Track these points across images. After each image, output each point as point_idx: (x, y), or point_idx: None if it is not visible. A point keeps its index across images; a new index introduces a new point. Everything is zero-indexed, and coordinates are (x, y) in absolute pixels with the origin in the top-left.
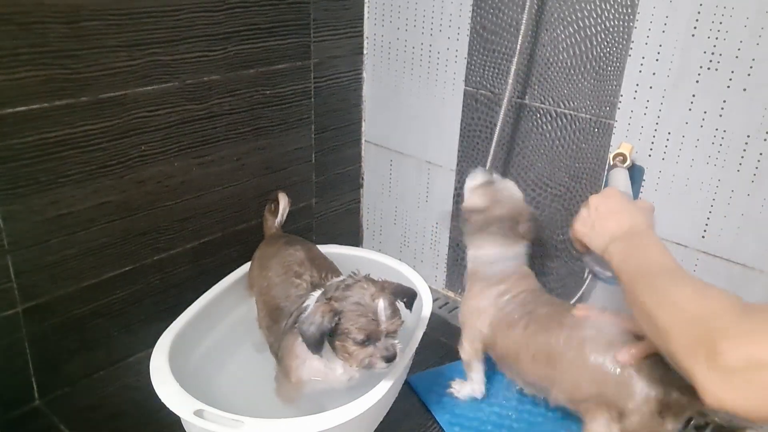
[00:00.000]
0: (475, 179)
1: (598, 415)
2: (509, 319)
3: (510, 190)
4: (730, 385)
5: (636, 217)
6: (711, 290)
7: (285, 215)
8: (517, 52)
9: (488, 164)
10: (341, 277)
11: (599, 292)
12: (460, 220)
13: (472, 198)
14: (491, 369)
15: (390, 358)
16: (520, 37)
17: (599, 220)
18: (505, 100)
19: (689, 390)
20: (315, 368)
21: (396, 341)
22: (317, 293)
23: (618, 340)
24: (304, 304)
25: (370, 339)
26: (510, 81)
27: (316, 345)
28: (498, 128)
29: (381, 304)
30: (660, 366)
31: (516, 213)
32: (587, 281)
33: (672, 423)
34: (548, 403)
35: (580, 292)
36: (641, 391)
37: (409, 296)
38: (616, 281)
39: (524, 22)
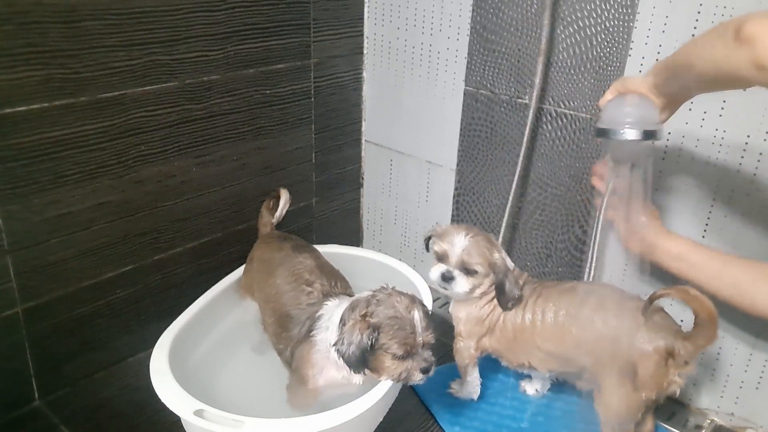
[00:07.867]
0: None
1: (610, 377)
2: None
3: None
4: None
5: None
6: None
7: (284, 212)
8: (542, 53)
9: (516, 174)
10: (368, 292)
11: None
12: None
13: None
14: (492, 369)
15: (427, 370)
16: (543, 38)
17: None
18: (533, 104)
19: (690, 338)
20: (332, 377)
21: (431, 352)
22: (330, 303)
23: (627, 297)
24: (317, 314)
25: (409, 353)
26: (537, 83)
27: (357, 364)
28: (527, 133)
29: (417, 315)
30: (665, 319)
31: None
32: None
33: (674, 373)
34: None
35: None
36: (650, 340)
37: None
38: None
39: (546, 23)
